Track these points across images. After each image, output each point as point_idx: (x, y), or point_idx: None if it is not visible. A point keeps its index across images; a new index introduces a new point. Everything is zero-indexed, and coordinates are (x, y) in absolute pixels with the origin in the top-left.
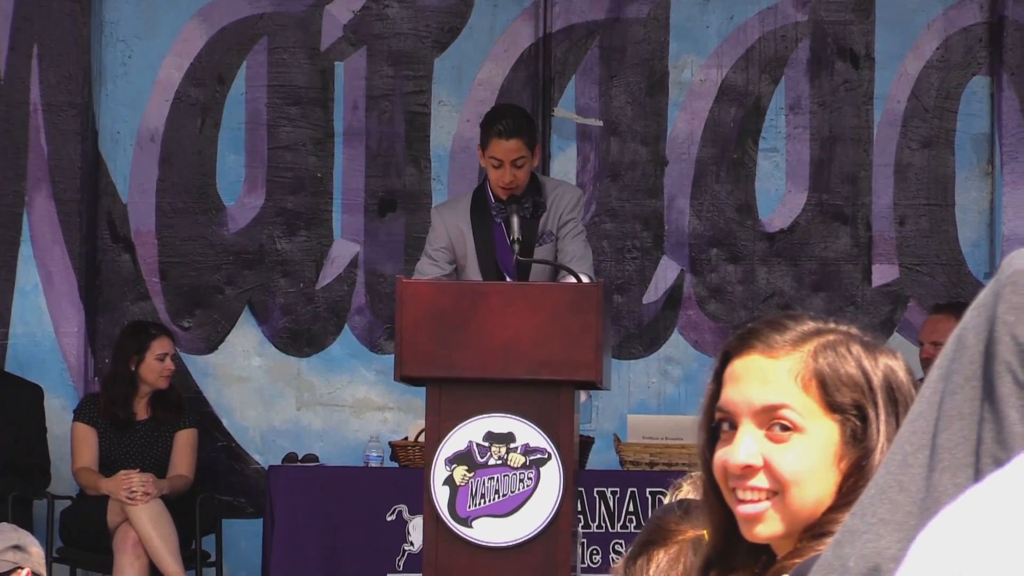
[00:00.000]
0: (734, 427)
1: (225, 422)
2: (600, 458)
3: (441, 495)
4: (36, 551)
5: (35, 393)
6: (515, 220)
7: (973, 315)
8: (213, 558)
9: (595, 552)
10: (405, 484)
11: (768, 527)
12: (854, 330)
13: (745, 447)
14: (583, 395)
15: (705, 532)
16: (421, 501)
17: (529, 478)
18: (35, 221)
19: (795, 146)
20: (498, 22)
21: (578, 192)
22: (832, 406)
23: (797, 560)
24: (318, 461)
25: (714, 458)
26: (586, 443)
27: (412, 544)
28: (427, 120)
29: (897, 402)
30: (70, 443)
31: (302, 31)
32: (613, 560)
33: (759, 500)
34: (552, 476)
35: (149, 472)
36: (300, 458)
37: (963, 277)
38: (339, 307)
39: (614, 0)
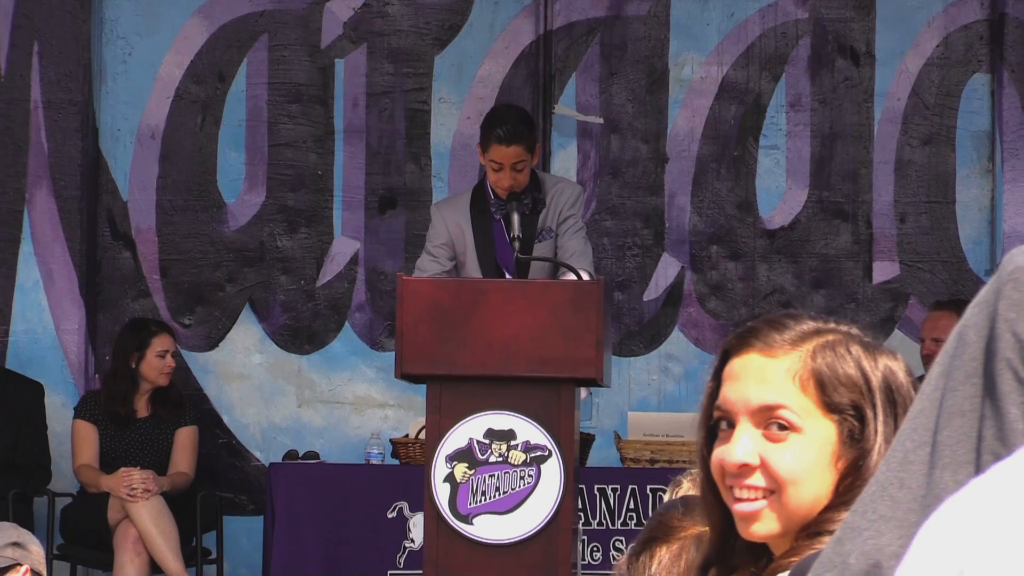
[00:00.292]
0: (732, 426)
1: (226, 419)
2: (601, 455)
3: (442, 492)
4: (36, 549)
5: (36, 390)
6: (515, 217)
7: (974, 312)
8: (214, 555)
9: (596, 549)
10: (406, 481)
11: (764, 526)
12: (855, 330)
13: (742, 446)
14: (583, 392)
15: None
16: (422, 498)
17: (530, 475)
18: (35, 218)
19: (796, 143)
20: (498, 19)
21: (578, 188)
22: (830, 406)
23: (794, 559)
24: (319, 458)
25: (712, 456)
26: (587, 440)
27: (413, 541)
28: (427, 117)
29: (896, 403)
30: (71, 440)
31: (302, 28)
32: (614, 557)
33: (755, 499)
34: (553, 473)
35: (150, 469)
36: (301, 455)
37: (964, 274)
38: (340, 304)
39: None
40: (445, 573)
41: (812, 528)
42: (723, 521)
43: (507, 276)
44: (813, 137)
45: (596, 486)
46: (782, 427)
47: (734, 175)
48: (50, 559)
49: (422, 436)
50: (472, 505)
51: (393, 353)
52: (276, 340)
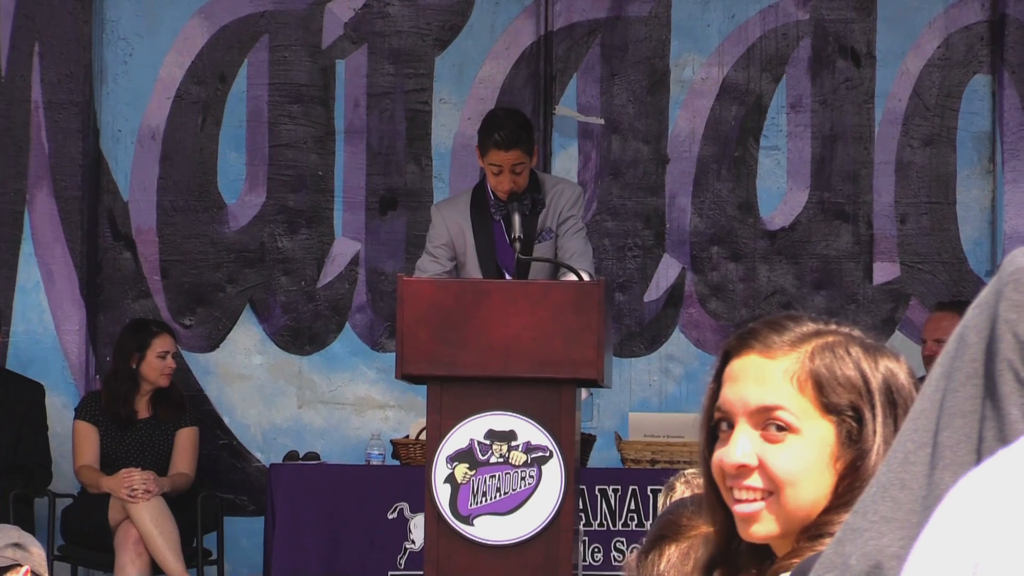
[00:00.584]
0: (732, 427)
1: (226, 420)
2: (601, 456)
3: (442, 493)
4: (37, 551)
5: (36, 391)
6: (516, 218)
7: (975, 313)
8: (214, 556)
9: (596, 550)
10: (406, 482)
11: (763, 527)
12: (856, 332)
13: (740, 447)
14: (584, 393)
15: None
16: (422, 499)
17: (530, 476)
18: (36, 219)
19: (796, 144)
20: (499, 20)
21: (577, 189)
22: (828, 407)
23: (795, 560)
24: (319, 459)
25: (712, 457)
26: (587, 441)
27: (413, 542)
28: (428, 118)
29: (896, 404)
30: (71, 441)
31: (303, 29)
32: (615, 558)
33: (754, 500)
34: (553, 474)
35: (150, 470)
36: (301, 456)
37: (964, 275)
38: (340, 305)
39: None
40: (446, 574)
41: (813, 530)
42: (726, 522)
43: (507, 277)
44: (814, 138)
45: (597, 487)
46: (780, 428)
47: (735, 176)
48: (51, 560)
49: (423, 437)
50: (473, 506)
51: (394, 354)
52: (277, 341)
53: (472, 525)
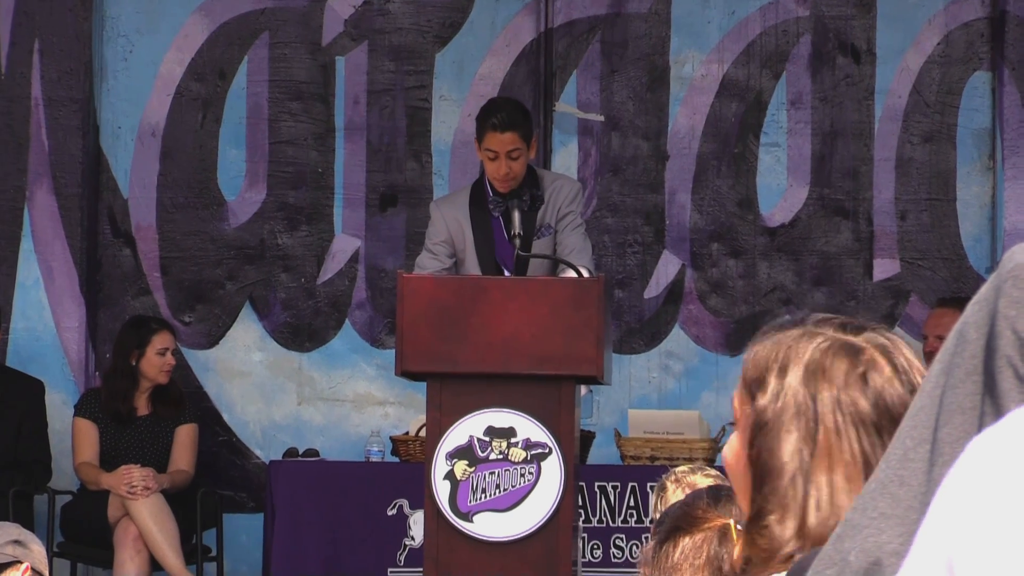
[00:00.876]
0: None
1: (226, 417)
2: (601, 453)
3: (442, 490)
4: (37, 549)
5: (36, 388)
6: (516, 215)
7: (974, 310)
8: (214, 553)
9: (596, 547)
10: (406, 479)
11: None
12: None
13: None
14: (584, 390)
15: (732, 521)
16: (422, 496)
17: (530, 473)
18: (36, 216)
19: (796, 141)
20: (499, 17)
21: (576, 185)
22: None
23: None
24: (319, 456)
25: None
26: (587, 438)
27: (413, 539)
28: (428, 115)
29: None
30: (71, 438)
31: (303, 26)
32: (613, 555)
33: None
34: (553, 471)
35: (150, 467)
36: (301, 453)
37: (964, 272)
38: (340, 302)
39: None
40: (445, 571)
41: None
42: None
43: (506, 273)
44: (814, 135)
45: (596, 483)
46: None
47: (735, 172)
48: (50, 557)
49: (422, 434)
50: (472, 503)
51: (393, 351)
52: (276, 338)
53: (471, 522)
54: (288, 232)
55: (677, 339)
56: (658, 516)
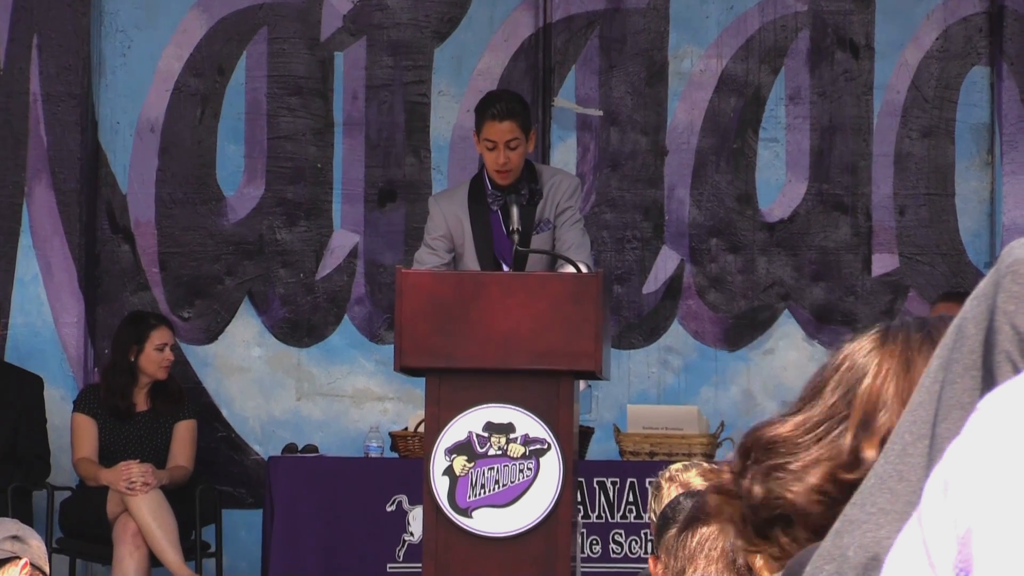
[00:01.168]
0: None
1: (225, 412)
2: (600, 448)
3: (441, 485)
4: (36, 544)
5: (35, 384)
6: (515, 210)
7: (973, 305)
8: (213, 548)
9: (595, 542)
10: (405, 474)
11: None
12: None
13: None
14: (583, 385)
15: None
16: (421, 491)
17: (529, 468)
18: (35, 211)
19: (795, 136)
20: (498, 12)
21: (575, 180)
22: None
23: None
24: (318, 452)
25: None
26: (586, 433)
27: (412, 534)
28: (427, 110)
29: None
30: (70, 434)
31: (302, 21)
32: (612, 550)
33: None
34: (552, 466)
35: (149, 463)
36: (300, 449)
37: (963, 267)
38: (339, 297)
39: None
40: (444, 566)
41: None
42: None
43: (505, 268)
44: (812, 130)
45: (595, 479)
46: None
47: (733, 168)
48: (49, 553)
49: (421, 429)
50: (471, 498)
51: (392, 346)
52: (275, 333)
53: (471, 517)
54: (287, 227)
55: (676, 334)
56: (655, 515)
